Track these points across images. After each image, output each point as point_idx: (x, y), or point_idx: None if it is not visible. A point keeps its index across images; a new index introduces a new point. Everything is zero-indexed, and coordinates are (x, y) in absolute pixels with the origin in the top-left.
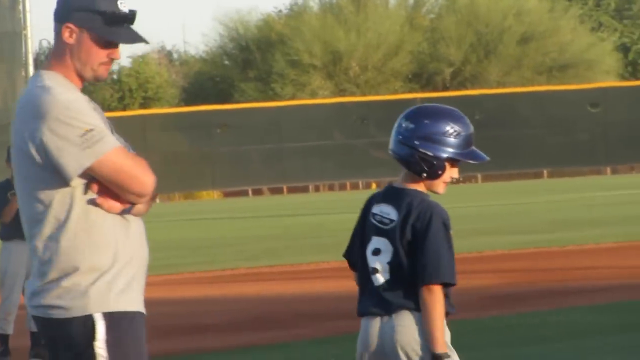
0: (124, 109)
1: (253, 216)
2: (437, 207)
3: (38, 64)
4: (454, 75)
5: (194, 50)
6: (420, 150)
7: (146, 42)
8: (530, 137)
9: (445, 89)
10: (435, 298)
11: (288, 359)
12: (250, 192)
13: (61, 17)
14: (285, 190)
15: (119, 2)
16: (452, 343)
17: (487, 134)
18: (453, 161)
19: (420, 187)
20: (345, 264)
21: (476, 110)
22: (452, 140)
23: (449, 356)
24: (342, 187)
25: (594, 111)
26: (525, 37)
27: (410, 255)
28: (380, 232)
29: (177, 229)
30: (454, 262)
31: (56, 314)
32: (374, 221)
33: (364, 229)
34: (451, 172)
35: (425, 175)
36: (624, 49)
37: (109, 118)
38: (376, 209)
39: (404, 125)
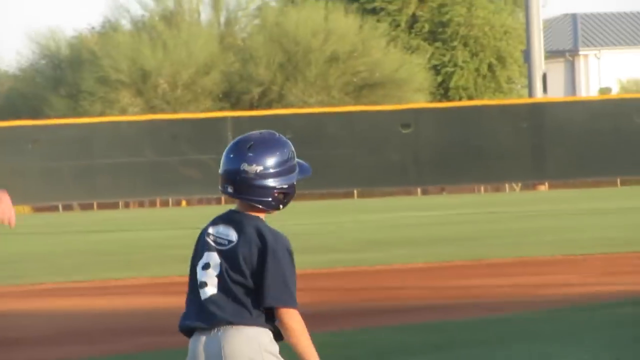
0: None
1: (63, 231)
2: (281, 235)
3: None
4: (262, 95)
5: (6, 67)
6: (278, 187)
7: None
8: (340, 156)
9: (253, 108)
10: (296, 320)
11: None
12: (60, 208)
13: None
14: (95, 206)
15: None
16: None
17: (297, 153)
18: None
19: (260, 213)
20: (151, 280)
21: (287, 129)
22: (292, 163)
23: None
24: (153, 204)
25: (405, 132)
26: (333, 56)
27: (248, 279)
28: (213, 250)
29: None
30: (295, 288)
31: None
32: (208, 239)
33: (197, 247)
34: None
35: (282, 206)
36: (436, 71)
37: None
38: (212, 229)
39: (248, 169)
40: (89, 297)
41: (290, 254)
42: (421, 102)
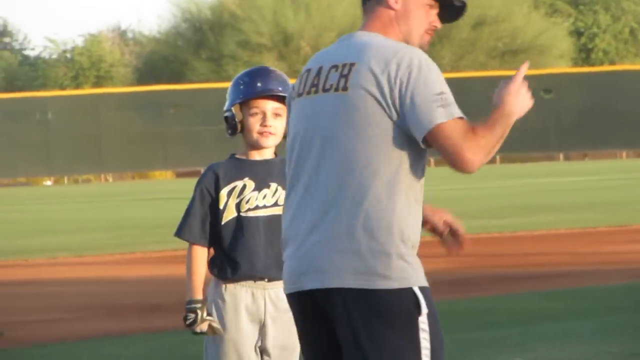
0: (77, 88)
1: None
2: (210, 164)
3: None
4: None
5: (148, 30)
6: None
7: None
8: None
9: None
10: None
11: None
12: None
13: None
14: None
15: None
16: None
17: None
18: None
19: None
20: None
21: None
22: (235, 91)
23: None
24: None
25: (547, 97)
26: (479, 21)
27: None
28: None
29: (129, 208)
30: (190, 219)
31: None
32: None
33: None
34: (254, 121)
35: (229, 132)
36: (578, 35)
37: (62, 97)
38: None
39: None
40: None
41: (196, 184)
42: (562, 67)
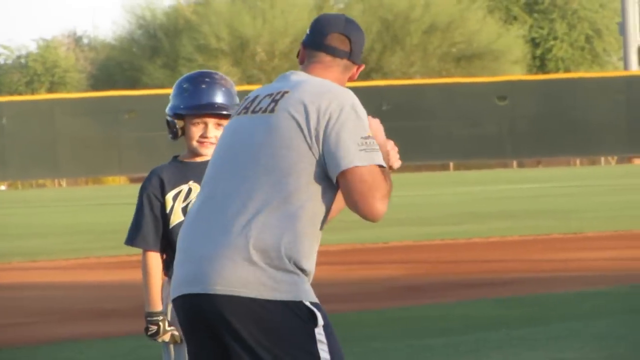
0: (32, 93)
1: None
2: (153, 169)
3: None
4: None
5: (104, 36)
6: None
7: None
8: (437, 128)
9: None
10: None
11: None
12: None
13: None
14: None
15: None
16: (357, 334)
17: (394, 124)
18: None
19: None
20: None
21: (383, 101)
22: (178, 97)
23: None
24: None
25: (502, 104)
26: (432, 27)
27: None
28: None
29: (83, 213)
30: (142, 226)
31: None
32: None
33: None
34: (195, 130)
35: (170, 136)
36: (534, 43)
37: (16, 103)
38: None
39: None
40: None
41: (141, 191)
42: (517, 74)
